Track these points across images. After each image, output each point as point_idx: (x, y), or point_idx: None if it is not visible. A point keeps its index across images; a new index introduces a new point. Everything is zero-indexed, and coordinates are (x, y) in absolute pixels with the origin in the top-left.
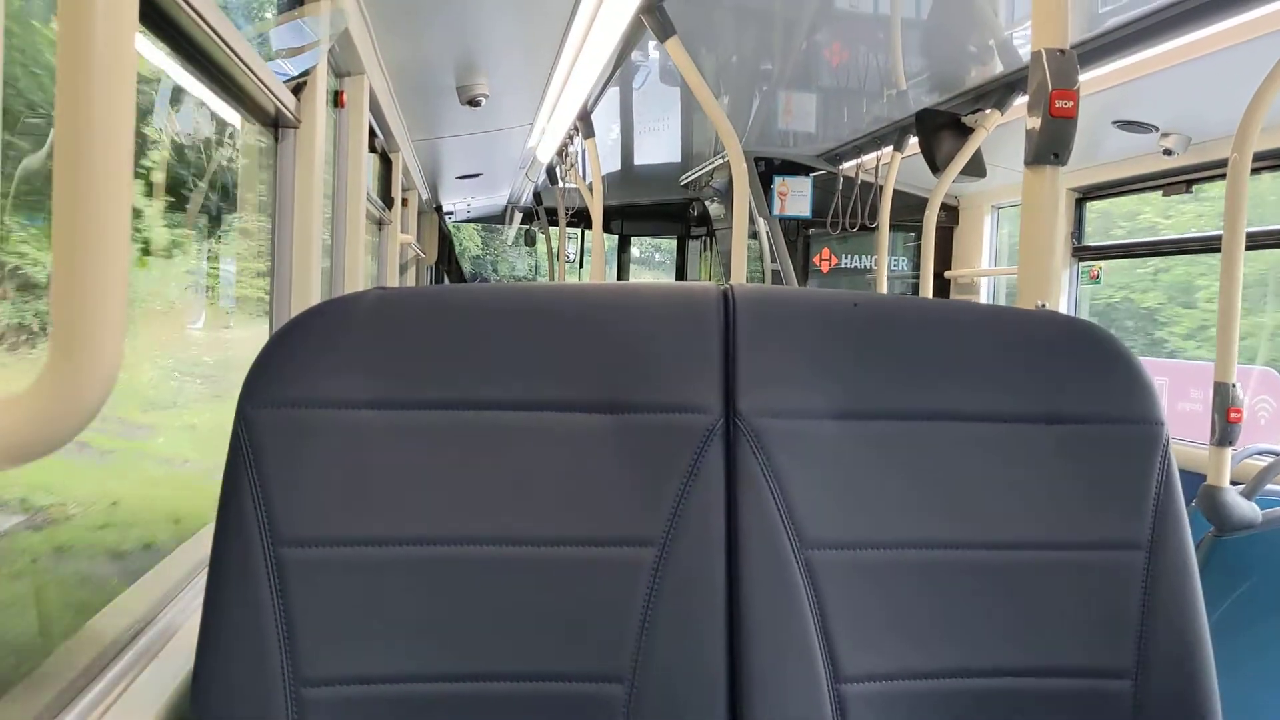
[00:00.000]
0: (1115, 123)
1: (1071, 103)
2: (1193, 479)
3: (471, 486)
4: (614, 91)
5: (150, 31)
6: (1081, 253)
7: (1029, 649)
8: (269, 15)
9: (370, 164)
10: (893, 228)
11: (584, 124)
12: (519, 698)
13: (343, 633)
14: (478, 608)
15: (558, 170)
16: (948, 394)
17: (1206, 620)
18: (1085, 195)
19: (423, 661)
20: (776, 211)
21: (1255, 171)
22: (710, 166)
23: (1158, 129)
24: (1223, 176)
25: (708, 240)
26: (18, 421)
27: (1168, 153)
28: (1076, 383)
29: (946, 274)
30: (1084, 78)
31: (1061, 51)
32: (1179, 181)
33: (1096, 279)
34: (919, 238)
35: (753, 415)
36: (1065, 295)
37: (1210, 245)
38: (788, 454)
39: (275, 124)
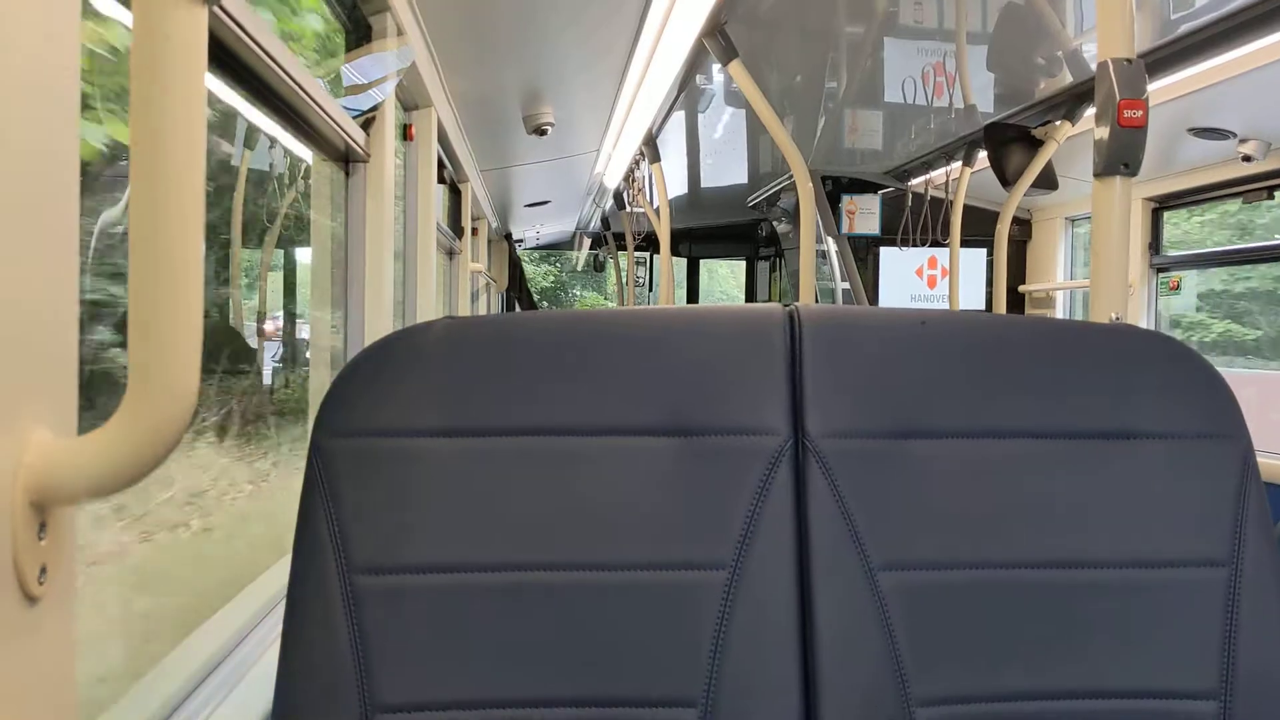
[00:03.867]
0: (1191, 130)
1: (1140, 112)
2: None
3: (542, 512)
4: (679, 115)
5: (222, 74)
6: (1160, 263)
7: (1109, 670)
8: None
9: (440, 195)
10: (964, 243)
11: (650, 149)
12: None
13: (417, 659)
14: (549, 633)
15: (625, 195)
16: (1020, 411)
17: None
18: (1162, 204)
19: (496, 687)
20: (845, 230)
21: None
22: (777, 187)
23: (1235, 135)
24: None
25: (776, 261)
26: (99, 456)
27: (1247, 159)
28: (1154, 397)
29: (1020, 289)
30: (1157, 85)
31: (1128, 61)
32: (1260, 188)
33: (1177, 290)
34: (991, 253)
35: (821, 436)
36: (1145, 309)
37: None
38: (857, 474)
39: (346, 159)
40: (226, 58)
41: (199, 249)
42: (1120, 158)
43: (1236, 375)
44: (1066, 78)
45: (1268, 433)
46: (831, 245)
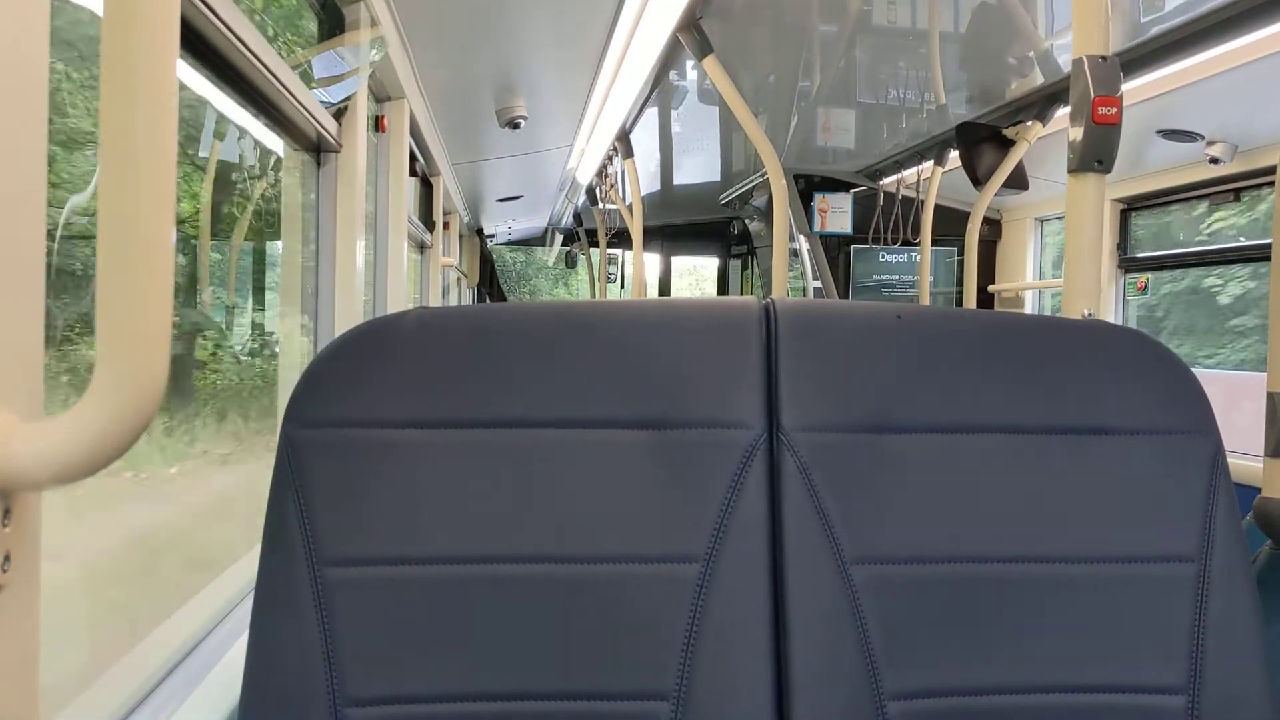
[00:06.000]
0: (1159, 132)
1: (1115, 109)
2: (1248, 492)
3: (514, 505)
4: (652, 111)
5: (193, 59)
6: (1128, 264)
7: (1080, 664)
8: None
9: (411, 188)
10: (935, 243)
11: (623, 144)
12: (564, 716)
13: (387, 652)
14: (522, 626)
15: (597, 191)
16: (993, 406)
17: (1264, 635)
18: (1130, 206)
19: (467, 681)
20: (817, 228)
21: None
22: (750, 185)
23: (1203, 137)
24: (1271, 184)
25: (748, 259)
26: (66, 441)
27: (1214, 161)
28: (1125, 393)
29: (990, 288)
30: (1126, 87)
31: (1103, 58)
32: (1226, 190)
33: (1144, 291)
34: (961, 252)
35: (796, 430)
36: (1113, 308)
37: (1260, 254)
38: (831, 468)
39: (317, 149)
40: (198, 42)
41: (170, 232)
42: (1094, 155)
43: (1200, 375)
44: (1038, 78)
45: (1232, 434)
46: (803, 244)
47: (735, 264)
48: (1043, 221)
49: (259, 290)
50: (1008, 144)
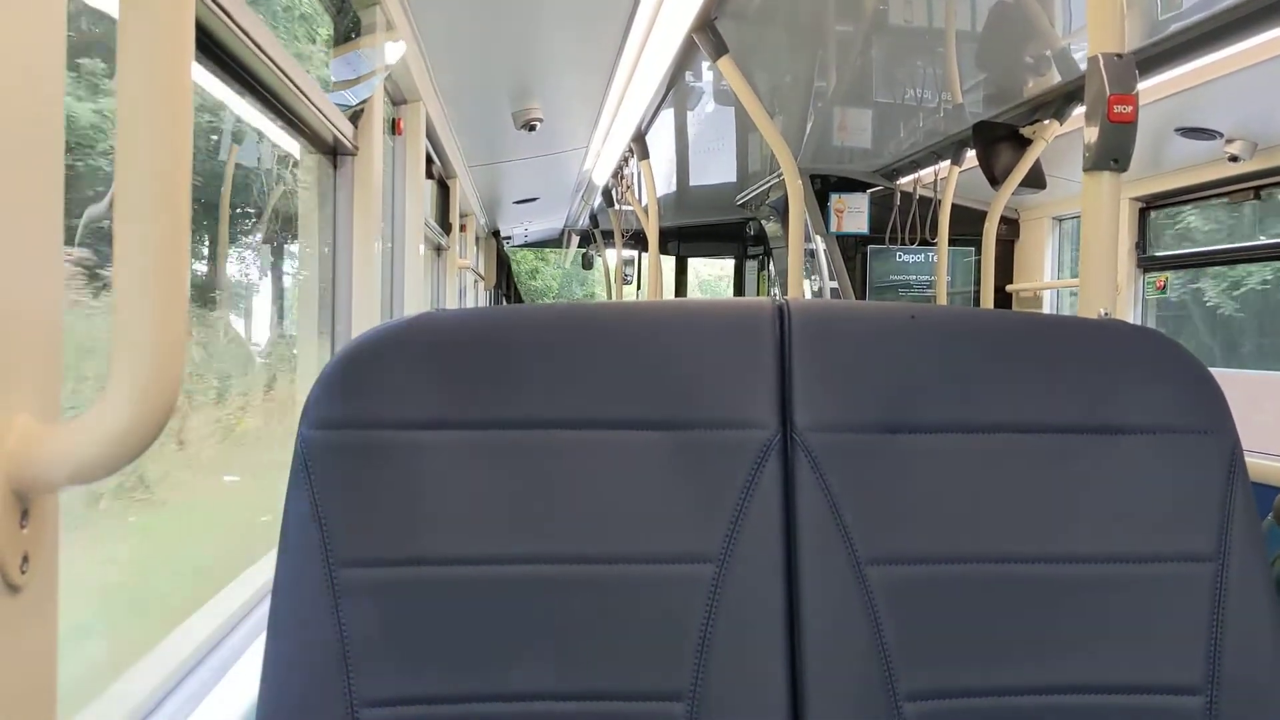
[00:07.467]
0: (1178, 130)
1: (1130, 108)
2: (1269, 492)
3: (528, 505)
4: (668, 113)
5: (209, 63)
6: (1147, 263)
7: (1097, 665)
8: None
9: (428, 190)
10: (952, 242)
11: (638, 146)
12: (579, 716)
13: (402, 653)
14: (536, 626)
15: (614, 193)
16: (1008, 405)
17: None
18: (1149, 204)
19: (482, 681)
20: (833, 229)
21: None
22: (766, 185)
23: (1222, 135)
24: None
25: (764, 259)
26: (83, 442)
27: (1234, 159)
28: (1141, 392)
29: (1008, 288)
30: (1145, 85)
31: (1119, 56)
32: (1246, 188)
33: (1163, 290)
34: (979, 252)
35: (809, 430)
36: (1131, 308)
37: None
38: (846, 468)
39: (334, 152)
40: (214, 46)
41: (185, 235)
42: (1110, 153)
43: (1220, 375)
44: (1055, 77)
45: (1253, 433)
46: (820, 244)
47: (751, 265)
48: (1061, 221)
49: None
50: (1025, 143)
